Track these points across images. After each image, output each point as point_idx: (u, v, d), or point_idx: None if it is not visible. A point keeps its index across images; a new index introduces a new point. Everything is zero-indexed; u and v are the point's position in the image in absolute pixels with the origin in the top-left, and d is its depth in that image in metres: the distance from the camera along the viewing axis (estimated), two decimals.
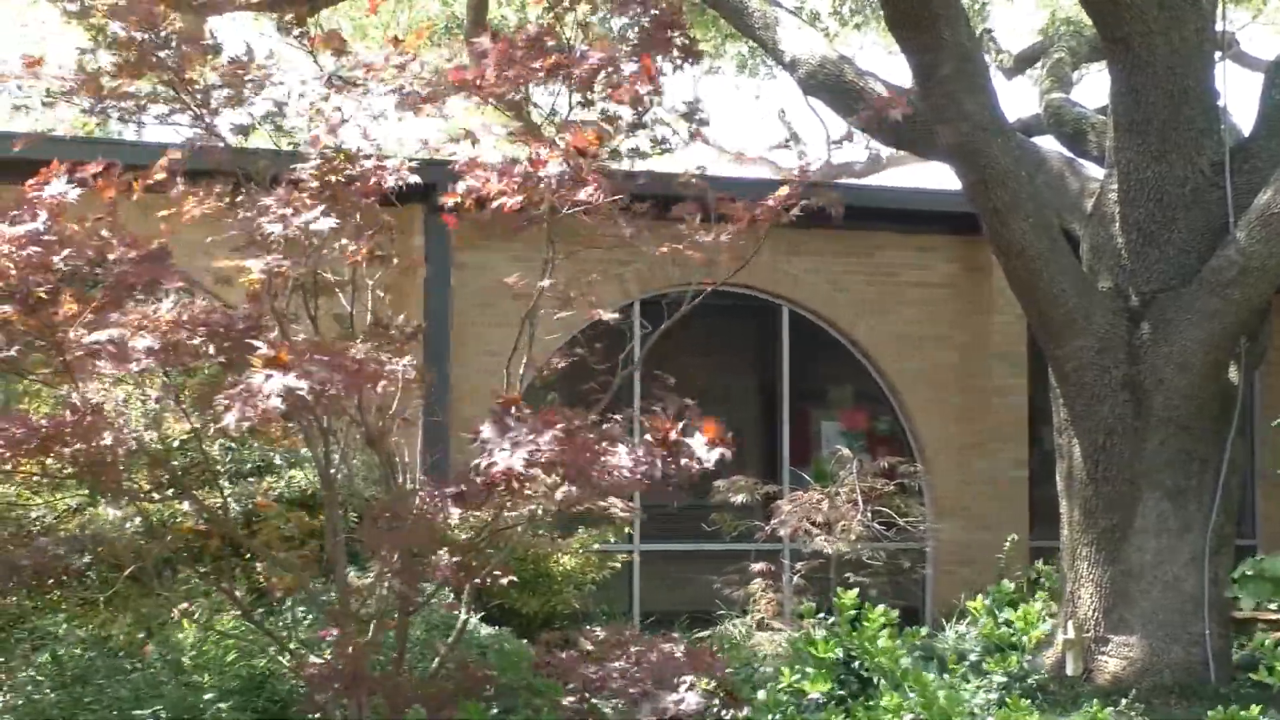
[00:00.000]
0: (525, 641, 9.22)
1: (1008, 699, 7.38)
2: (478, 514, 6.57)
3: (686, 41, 7.17)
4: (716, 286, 7.36)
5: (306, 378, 5.62)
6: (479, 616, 9.34)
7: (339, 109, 6.77)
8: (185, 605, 8.40)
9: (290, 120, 7.16)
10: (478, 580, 6.86)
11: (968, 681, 8.23)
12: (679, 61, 7.18)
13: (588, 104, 7.17)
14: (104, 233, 6.27)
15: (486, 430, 5.85)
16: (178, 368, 6.67)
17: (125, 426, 6.62)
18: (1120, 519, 10.26)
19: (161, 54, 6.71)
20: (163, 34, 6.72)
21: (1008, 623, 9.01)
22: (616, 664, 6.65)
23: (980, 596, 9.42)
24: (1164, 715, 9.47)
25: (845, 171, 23.13)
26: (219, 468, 8.67)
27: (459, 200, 6.75)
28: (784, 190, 7.02)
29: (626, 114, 7.14)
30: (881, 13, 12.44)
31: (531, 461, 5.77)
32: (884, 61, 39.68)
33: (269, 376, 5.58)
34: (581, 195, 6.63)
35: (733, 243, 7.09)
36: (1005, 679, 8.72)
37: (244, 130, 7.20)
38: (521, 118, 7.95)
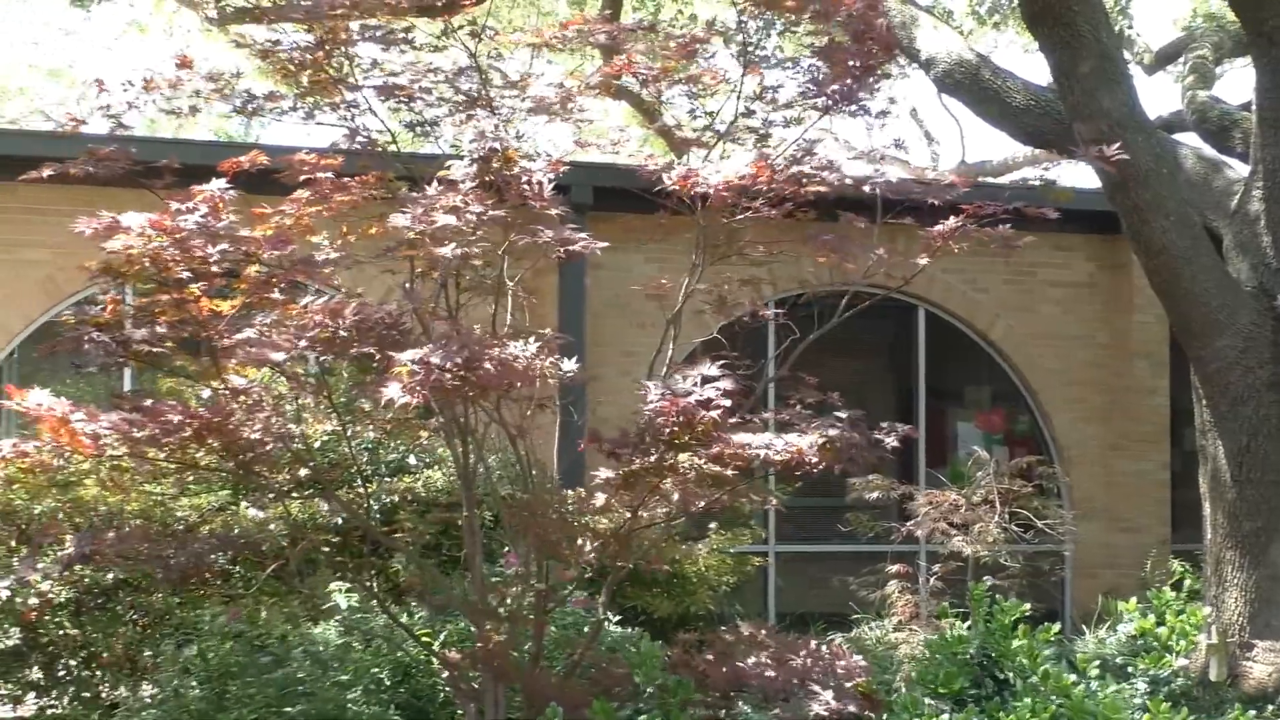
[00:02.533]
0: (659, 643, 9.24)
1: (1149, 703, 7.27)
2: (623, 496, 6.67)
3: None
4: (888, 292, 7.44)
5: (453, 363, 5.77)
6: (614, 619, 9.37)
7: (500, 118, 6.90)
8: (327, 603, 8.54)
9: (445, 123, 7.29)
10: (621, 563, 6.97)
11: (1108, 684, 8.13)
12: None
13: (749, 114, 7.39)
14: (255, 231, 6.44)
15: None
16: (327, 360, 6.84)
17: (273, 420, 6.75)
18: (1265, 522, 10.05)
19: (315, 56, 6.89)
20: (317, 38, 6.90)
21: (1160, 621, 8.90)
22: (758, 661, 6.71)
23: (1133, 600, 9.31)
24: None
25: (980, 171, 22.96)
26: (355, 468, 8.78)
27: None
28: (954, 221, 7.21)
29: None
30: (1019, 10, 12.31)
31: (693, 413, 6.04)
32: (1021, 59, 39.33)
33: (420, 358, 5.76)
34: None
35: (900, 253, 7.25)
36: (1149, 683, 8.61)
37: (411, 128, 7.35)
38: (653, 120, 8.05)
